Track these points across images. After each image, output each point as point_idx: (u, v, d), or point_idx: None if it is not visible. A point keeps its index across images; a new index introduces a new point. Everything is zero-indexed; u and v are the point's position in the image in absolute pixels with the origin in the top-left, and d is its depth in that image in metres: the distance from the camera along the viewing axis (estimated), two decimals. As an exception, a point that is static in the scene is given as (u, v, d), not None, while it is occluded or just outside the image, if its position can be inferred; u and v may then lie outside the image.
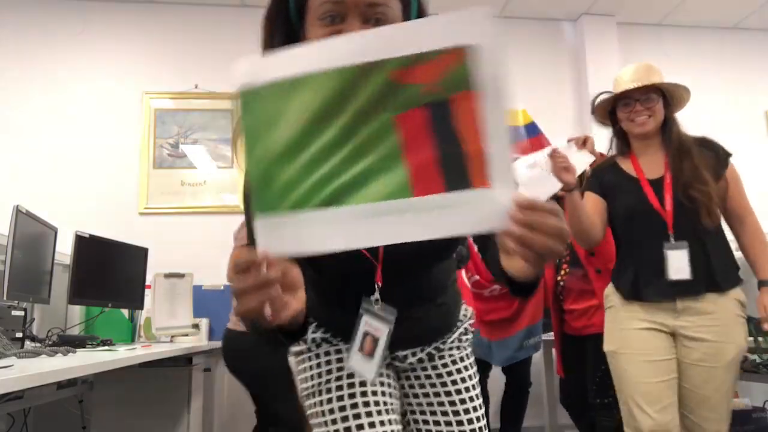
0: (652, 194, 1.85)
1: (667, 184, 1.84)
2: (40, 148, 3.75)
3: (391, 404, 1.02)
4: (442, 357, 1.10)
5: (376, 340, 0.92)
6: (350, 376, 1.00)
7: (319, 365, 1.04)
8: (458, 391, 1.08)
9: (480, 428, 1.07)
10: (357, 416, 0.97)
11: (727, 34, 4.71)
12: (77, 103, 3.85)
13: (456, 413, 1.06)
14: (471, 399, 1.09)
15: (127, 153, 3.83)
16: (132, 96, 3.91)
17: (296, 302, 0.70)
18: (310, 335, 1.06)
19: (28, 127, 3.78)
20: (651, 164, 1.91)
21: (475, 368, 1.14)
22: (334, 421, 0.98)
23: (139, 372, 2.63)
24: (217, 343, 3.32)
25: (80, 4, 3.99)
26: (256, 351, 2.32)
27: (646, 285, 1.83)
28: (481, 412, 1.09)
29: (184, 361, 2.81)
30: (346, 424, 0.97)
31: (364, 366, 0.92)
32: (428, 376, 1.08)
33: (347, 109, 0.62)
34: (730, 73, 4.53)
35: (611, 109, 2.03)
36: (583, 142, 2.44)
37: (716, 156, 1.87)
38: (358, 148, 0.63)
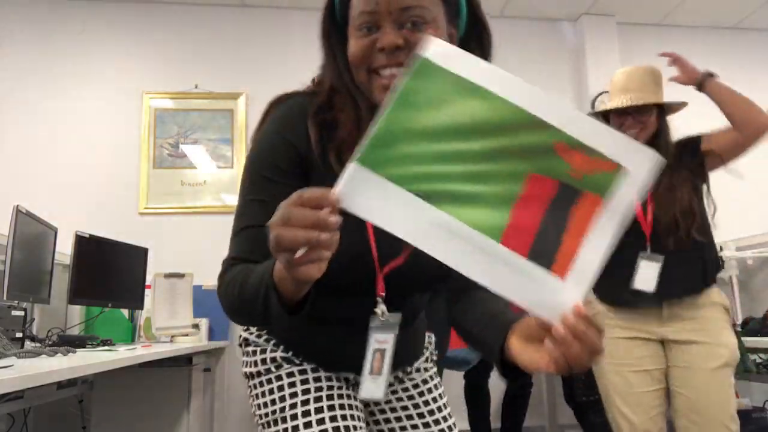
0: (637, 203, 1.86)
1: (650, 194, 1.83)
2: (40, 148, 3.74)
3: (361, 427, 0.95)
4: (411, 379, 1.08)
5: (383, 354, 0.86)
6: (317, 399, 0.93)
7: (281, 388, 0.96)
8: (426, 402, 1.06)
9: (449, 427, 1.06)
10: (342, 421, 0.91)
11: (727, 34, 4.71)
12: (77, 103, 3.85)
13: (426, 425, 1.04)
14: (440, 409, 1.07)
15: (127, 153, 3.83)
16: (132, 96, 3.91)
17: (321, 271, 0.65)
18: (269, 354, 0.99)
19: (28, 126, 3.77)
20: None
21: (441, 388, 1.11)
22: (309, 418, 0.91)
23: (139, 372, 2.63)
24: (217, 343, 3.33)
25: (80, 4, 3.99)
26: None
27: (624, 292, 1.81)
28: (451, 421, 1.07)
29: (184, 361, 2.81)
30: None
31: (373, 388, 0.84)
32: (399, 399, 1.05)
33: (500, 139, 0.65)
34: (730, 73, 4.49)
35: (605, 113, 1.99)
36: None
37: (692, 155, 1.85)
38: (485, 175, 0.65)
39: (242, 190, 0.94)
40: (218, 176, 3.90)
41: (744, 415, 2.82)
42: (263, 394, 0.97)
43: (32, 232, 2.39)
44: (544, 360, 0.69)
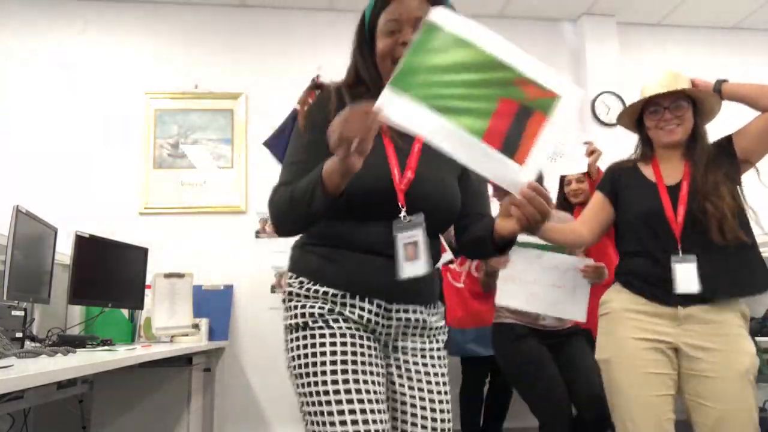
0: (668, 201, 1.80)
1: (683, 193, 1.79)
2: (40, 148, 3.75)
3: (381, 392, 1.13)
4: (429, 341, 1.25)
5: (415, 244, 1.11)
6: (344, 362, 1.10)
7: (314, 345, 1.12)
8: (438, 384, 1.22)
9: (449, 419, 1.22)
10: (350, 401, 1.06)
11: (727, 34, 4.71)
12: (77, 103, 3.85)
13: (432, 401, 1.20)
14: (445, 392, 1.23)
15: (127, 153, 3.83)
16: (132, 96, 3.91)
17: (360, 163, 0.99)
18: (308, 309, 1.16)
19: (29, 126, 3.78)
20: (671, 171, 1.86)
21: (446, 368, 1.27)
22: (328, 403, 1.07)
23: (139, 372, 2.63)
24: (217, 343, 3.33)
25: (81, 4, 3.99)
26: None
27: (651, 292, 1.77)
28: (447, 405, 1.23)
29: (184, 361, 2.81)
30: (340, 408, 1.06)
31: (414, 268, 1.11)
32: (417, 370, 1.21)
33: (481, 75, 1.02)
34: (730, 74, 4.52)
35: (638, 116, 1.95)
36: (591, 152, 2.59)
37: (727, 155, 1.83)
38: (473, 96, 1.01)
39: (292, 141, 1.25)
40: (218, 176, 3.90)
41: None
42: (299, 348, 1.15)
43: (32, 232, 2.39)
44: (512, 222, 1.09)
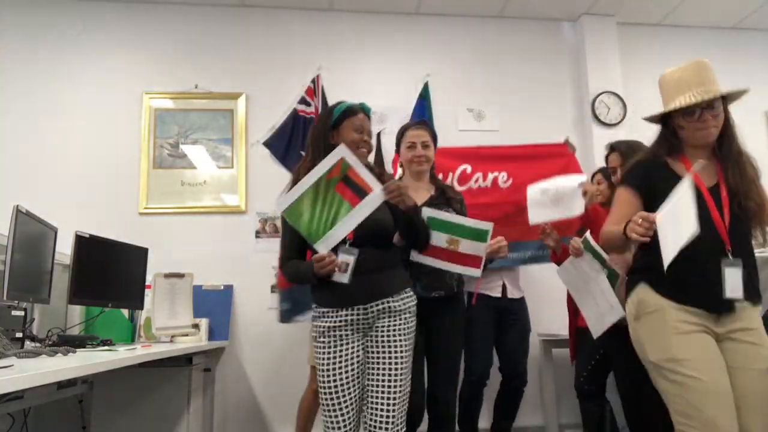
0: (713, 205, 1.74)
1: (724, 195, 1.75)
2: (40, 148, 3.75)
3: (359, 368, 1.94)
4: (396, 320, 1.95)
5: (347, 264, 1.87)
6: (339, 353, 1.93)
7: (325, 344, 1.95)
8: (397, 351, 1.92)
9: (400, 376, 1.90)
10: (333, 375, 1.91)
11: (727, 34, 4.71)
12: (77, 103, 3.85)
13: (388, 363, 1.91)
14: (402, 357, 1.92)
15: (127, 153, 3.83)
16: (132, 96, 3.91)
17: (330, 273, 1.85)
18: (322, 324, 1.97)
19: (29, 127, 3.78)
20: (703, 171, 1.76)
21: (411, 340, 1.97)
22: (322, 369, 1.93)
23: (139, 372, 2.63)
24: (217, 343, 3.33)
25: (80, 4, 3.99)
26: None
27: (696, 294, 1.72)
28: (402, 366, 1.92)
29: (184, 361, 2.81)
30: (328, 373, 1.92)
31: (341, 278, 1.87)
32: (383, 341, 1.93)
33: (318, 195, 1.92)
34: (730, 73, 4.50)
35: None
36: (584, 192, 2.79)
37: (754, 167, 1.85)
38: (325, 206, 1.91)
39: (282, 232, 2.12)
40: (218, 176, 3.90)
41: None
42: (319, 345, 1.97)
43: (32, 232, 2.38)
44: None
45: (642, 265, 1.86)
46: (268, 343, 3.68)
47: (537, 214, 2.77)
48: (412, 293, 2.01)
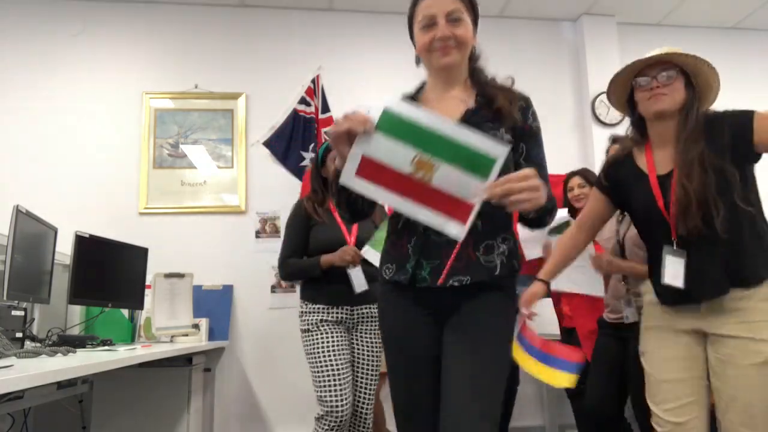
0: (659, 193, 1.69)
1: (674, 181, 1.65)
2: (40, 148, 3.75)
3: (346, 355, 2.39)
4: (374, 325, 2.46)
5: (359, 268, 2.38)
6: (328, 344, 2.36)
7: (316, 334, 2.38)
8: (372, 351, 2.47)
9: (376, 369, 2.48)
10: (331, 357, 2.34)
11: (727, 34, 4.71)
12: (77, 103, 3.85)
13: (369, 360, 2.47)
14: (377, 354, 2.47)
15: (127, 153, 3.83)
16: (132, 96, 3.91)
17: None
18: (312, 318, 2.41)
19: (29, 126, 3.77)
20: (662, 157, 1.72)
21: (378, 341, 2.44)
22: (318, 354, 2.37)
23: (139, 372, 2.64)
24: (217, 343, 3.33)
25: (80, 4, 3.99)
26: None
27: (663, 289, 1.69)
28: (377, 361, 2.48)
29: (184, 361, 2.81)
30: (330, 354, 2.36)
31: (358, 276, 2.39)
32: (365, 343, 2.46)
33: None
34: (730, 73, 4.51)
35: (629, 98, 1.85)
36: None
37: (736, 133, 1.62)
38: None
39: (286, 229, 2.56)
40: (218, 176, 3.90)
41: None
42: (308, 344, 2.40)
43: (32, 232, 2.39)
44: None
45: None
46: (268, 342, 3.68)
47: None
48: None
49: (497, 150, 1.20)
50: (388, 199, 1.26)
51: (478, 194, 1.20)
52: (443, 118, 1.26)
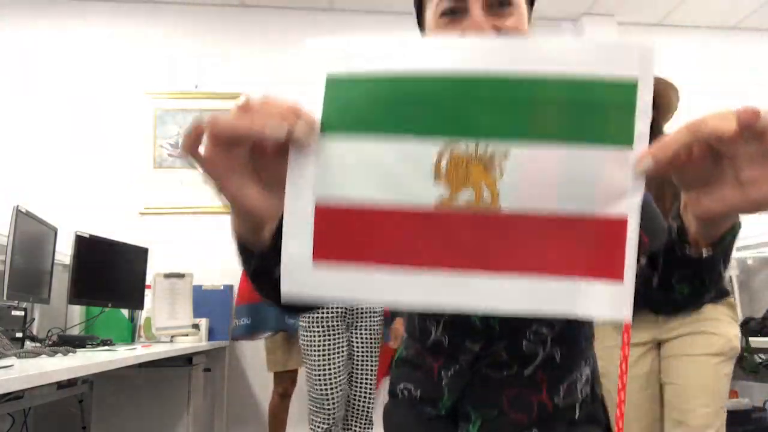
0: None
1: None
2: (40, 148, 3.74)
3: (342, 355, 2.51)
4: (370, 322, 2.61)
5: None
6: (324, 344, 2.46)
7: (316, 333, 2.48)
8: (368, 345, 2.61)
9: (372, 362, 2.64)
10: (330, 353, 2.45)
11: (727, 34, 4.71)
12: (77, 103, 3.85)
13: (366, 354, 2.62)
14: (373, 349, 2.64)
15: (127, 153, 3.83)
16: (132, 96, 3.91)
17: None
18: (311, 314, 2.46)
19: (29, 126, 3.77)
20: None
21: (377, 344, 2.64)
22: (313, 353, 2.48)
23: (139, 372, 2.63)
24: (217, 343, 3.33)
25: (81, 4, 3.99)
26: None
27: None
28: (373, 356, 2.63)
29: (184, 361, 2.81)
30: (325, 352, 2.47)
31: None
32: (361, 338, 2.60)
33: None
34: (730, 74, 4.53)
35: None
36: None
37: None
38: None
39: None
40: (218, 176, 3.89)
41: (744, 414, 2.82)
42: (305, 342, 2.50)
43: (32, 232, 2.39)
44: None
45: None
46: (268, 343, 3.68)
47: None
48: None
49: (631, 57, 0.50)
50: (404, 294, 0.53)
51: (632, 177, 0.50)
52: (476, 38, 0.65)
